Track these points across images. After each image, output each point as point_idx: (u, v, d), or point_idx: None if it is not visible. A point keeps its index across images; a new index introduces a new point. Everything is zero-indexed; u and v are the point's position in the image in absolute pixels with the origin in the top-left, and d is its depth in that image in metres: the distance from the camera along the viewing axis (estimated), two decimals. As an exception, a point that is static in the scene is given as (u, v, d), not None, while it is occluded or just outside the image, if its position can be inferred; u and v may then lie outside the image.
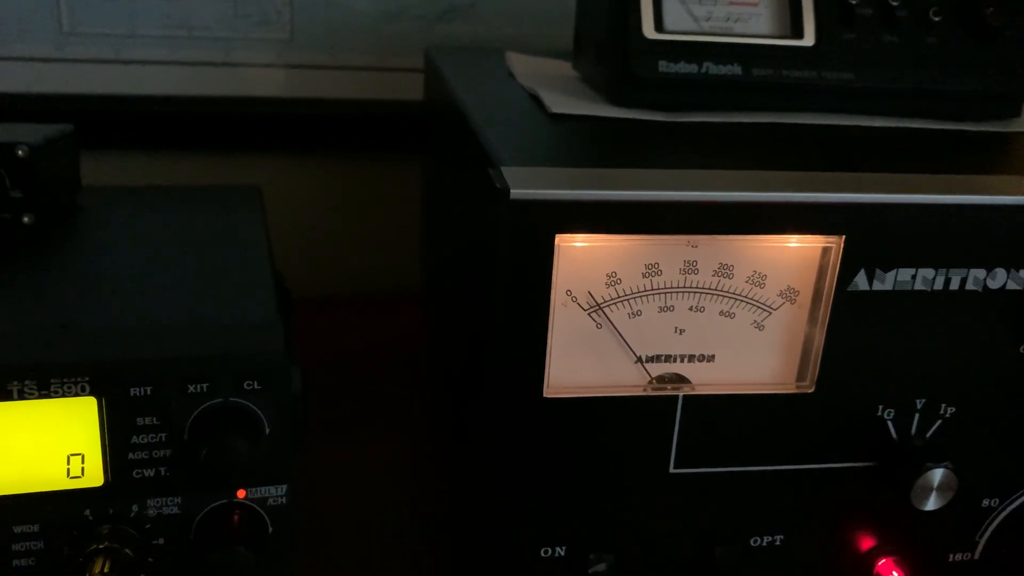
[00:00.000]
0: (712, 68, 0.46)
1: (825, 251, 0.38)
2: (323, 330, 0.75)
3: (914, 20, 0.47)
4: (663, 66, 0.46)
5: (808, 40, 0.46)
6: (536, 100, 0.49)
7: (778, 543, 0.42)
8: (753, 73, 0.46)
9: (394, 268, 0.86)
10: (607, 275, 0.37)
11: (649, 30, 0.45)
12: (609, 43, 0.47)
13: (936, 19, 0.47)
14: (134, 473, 0.38)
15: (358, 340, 0.75)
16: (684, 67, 0.46)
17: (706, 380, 0.39)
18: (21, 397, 0.36)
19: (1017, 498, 0.43)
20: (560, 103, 0.47)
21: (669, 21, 0.46)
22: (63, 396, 0.36)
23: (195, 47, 0.76)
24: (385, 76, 0.80)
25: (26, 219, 0.49)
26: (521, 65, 0.59)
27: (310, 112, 0.79)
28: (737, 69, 0.46)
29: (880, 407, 0.40)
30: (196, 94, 0.77)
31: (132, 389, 0.37)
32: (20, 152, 0.48)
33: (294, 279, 0.61)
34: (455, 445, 0.49)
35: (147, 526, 0.38)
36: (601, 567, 0.40)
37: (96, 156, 0.75)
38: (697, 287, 0.38)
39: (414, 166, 0.83)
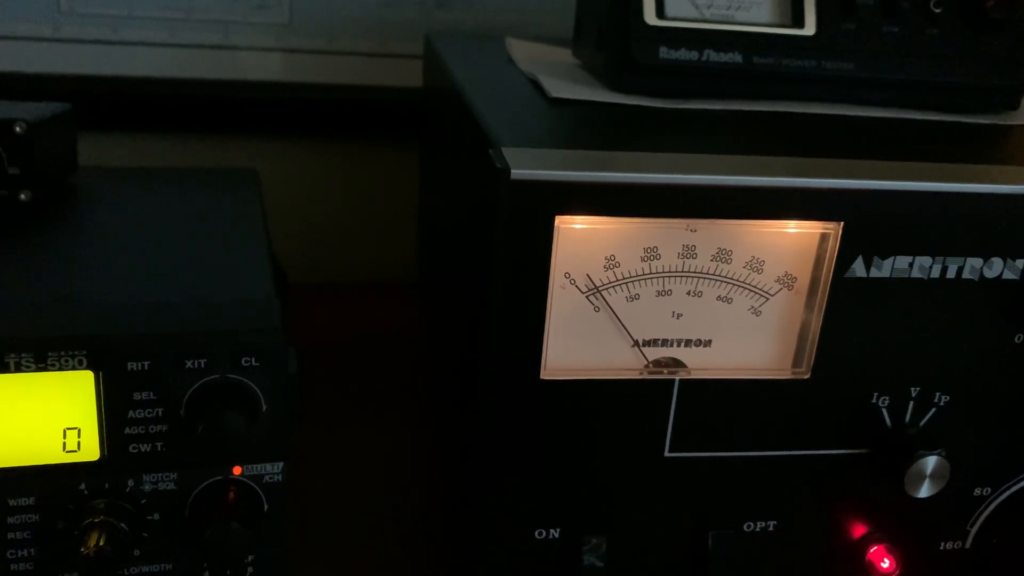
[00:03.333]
0: (712, 55, 0.46)
1: (823, 237, 0.38)
2: (318, 316, 0.75)
3: (915, 11, 0.47)
4: (663, 52, 0.46)
5: (809, 29, 0.46)
6: (536, 85, 0.49)
7: (771, 529, 0.42)
8: (753, 61, 0.46)
9: (390, 255, 0.86)
10: (606, 258, 0.37)
11: (650, 16, 0.45)
12: (610, 29, 0.47)
13: (937, 11, 0.47)
14: (130, 448, 0.38)
15: (353, 327, 0.75)
16: (684, 54, 0.46)
17: (702, 365, 0.39)
18: (18, 370, 0.36)
19: (1009, 488, 0.43)
20: (560, 88, 0.47)
21: (670, 8, 0.46)
22: (60, 369, 0.36)
23: (193, 29, 0.76)
24: (384, 62, 0.80)
25: (23, 196, 0.49)
26: (521, 51, 0.59)
27: (308, 97, 0.79)
28: (737, 57, 0.46)
29: (875, 394, 0.40)
30: (194, 77, 0.77)
31: (129, 363, 0.36)
32: (18, 128, 0.48)
33: (289, 265, 0.61)
34: (450, 428, 0.49)
35: (142, 501, 0.38)
36: (594, 555, 0.40)
37: (93, 137, 0.75)
38: (695, 272, 0.38)
39: (411, 153, 0.83)
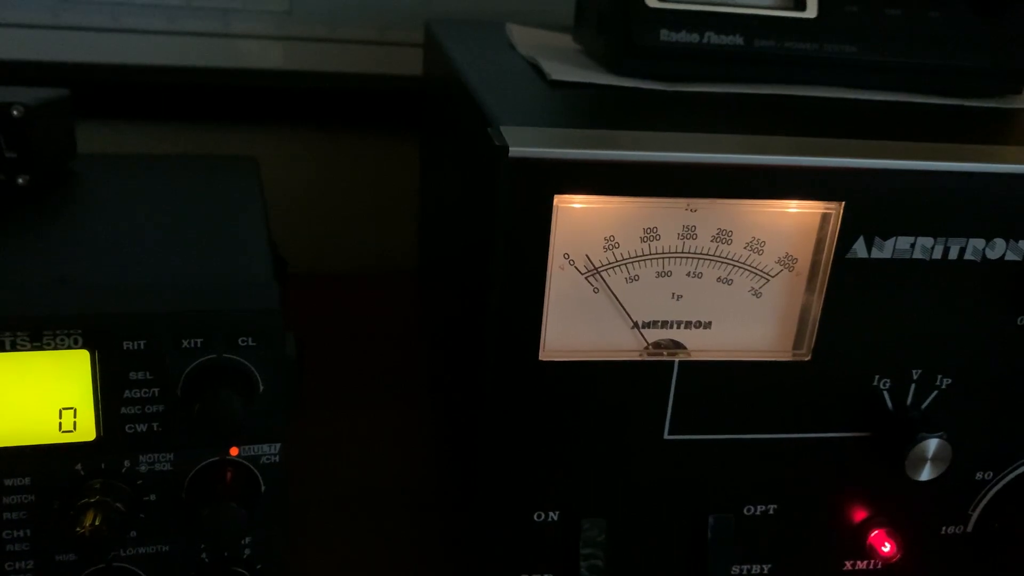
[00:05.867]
0: (714, 38, 0.46)
1: (824, 218, 0.37)
2: (317, 305, 0.75)
3: (917, -6, 0.47)
4: (664, 35, 0.45)
5: (811, 12, 0.46)
6: (536, 69, 0.49)
7: (771, 512, 0.42)
8: (755, 44, 0.46)
9: (390, 243, 0.86)
10: (605, 238, 0.37)
11: (651, -2, 0.45)
12: (610, 11, 0.47)
13: (939, -7, 0.47)
14: (126, 428, 0.37)
15: (352, 315, 0.75)
16: (685, 36, 0.45)
17: (702, 347, 0.39)
18: (13, 348, 0.36)
19: (1010, 472, 0.43)
20: (560, 71, 0.47)
21: (672, -10, 0.46)
22: (56, 349, 0.36)
23: (193, 17, 0.76)
24: (384, 50, 0.79)
25: (21, 180, 0.49)
26: (521, 36, 0.58)
27: (308, 85, 0.78)
28: (739, 39, 0.46)
29: (876, 377, 0.40)
30: (193, 65, 0.77)
31: (125, 343, 0.36)
32: (15, 112, 0.48)
33: (289, 253, 0.61)
34: (449, 412, 0.48)
35: (139, 481, 0.38)
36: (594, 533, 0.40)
37: (92, 125, 0.74)
38: (695, 253, 0.38)
39: (411, 141, 0.83)
